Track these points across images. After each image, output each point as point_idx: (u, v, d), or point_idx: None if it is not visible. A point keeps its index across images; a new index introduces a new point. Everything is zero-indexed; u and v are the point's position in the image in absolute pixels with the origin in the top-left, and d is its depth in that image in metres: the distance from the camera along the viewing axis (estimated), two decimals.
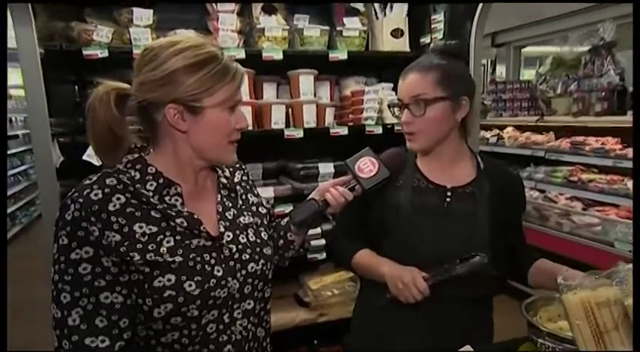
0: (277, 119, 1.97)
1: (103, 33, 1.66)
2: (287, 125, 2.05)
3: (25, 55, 1.40)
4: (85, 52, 1.62)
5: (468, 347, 1.11)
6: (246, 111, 1.85)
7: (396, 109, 1.23)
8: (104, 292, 0.86)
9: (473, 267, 1.08)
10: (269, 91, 2.06)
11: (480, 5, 1.84)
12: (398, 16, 2.12)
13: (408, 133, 1.20)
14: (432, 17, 2.07)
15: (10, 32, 1.40)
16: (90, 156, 1.63)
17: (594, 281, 0.97)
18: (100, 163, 1.66)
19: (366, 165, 1.10)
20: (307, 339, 2.23)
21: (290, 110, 2.05)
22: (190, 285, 0.89)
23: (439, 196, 1.20)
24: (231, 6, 1.89)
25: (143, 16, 1.73)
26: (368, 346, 1.29)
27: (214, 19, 1.86)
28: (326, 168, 2.07)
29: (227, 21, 1.85)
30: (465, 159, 1.25)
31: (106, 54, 1.64)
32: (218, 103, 0.90)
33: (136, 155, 0.95)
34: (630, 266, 0.98)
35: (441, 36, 2.03)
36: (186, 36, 0.97)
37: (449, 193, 1.21)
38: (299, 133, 1.97)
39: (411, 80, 1.16)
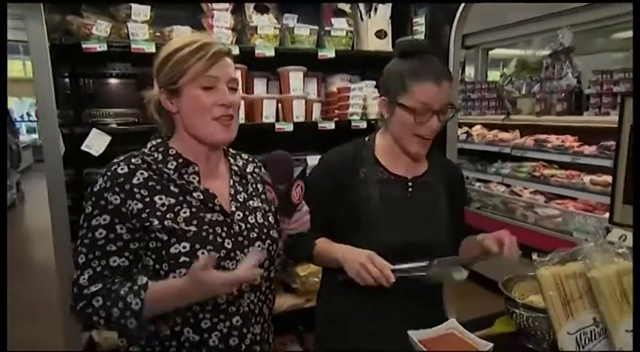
0: (268, 113, 2.06)
1: (102, 27, 1.70)
2: (276, 119, 2.14)
3: (35, 47, 1.43)
4: (84, 46, 1.66)
5: (453, 320, 1.24)
6: None
7: (416, 117, 1.18)
8: (113, 256, 0.97)
9: (436, 272, 1.13)
10: (259, 87, 2.15)
11: (460, 10, 2.00)
12: (382, 18, 2.25)
13: (426, 138, 1.21)
14: (414, 20, 2.21)
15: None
16: (88, 146, 1.68)
17: (564, 257, 1.13)
18: (98, 153, 1.72)
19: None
20: (293, 325, 2.33)
21: (280, 105, 2.14)
22: (203, 253, 0.97)
23: (402, 187, 1.28)
24: (226, 4, 1.96)
25: (141, 12, 1.78)
26: (335, 332, 1.31)
27: (209, 16, 1.93)
28: (313, 160, 2.16)
29: (221, 19, 1.92)
30: (418, 158, 1.31)
31: (104, 48, 1.68)
32: (190, 80, 0.98)
33: (159, 140, 1.07)
34: (592, 244, 1.14)
35: (422, 38, 2.17)
36: (185, 36, 1.12)
37: (410, 184, 1.28)
38: (289, 127, 2.07)
39: (444, 88, 1.17)
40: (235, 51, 1.91)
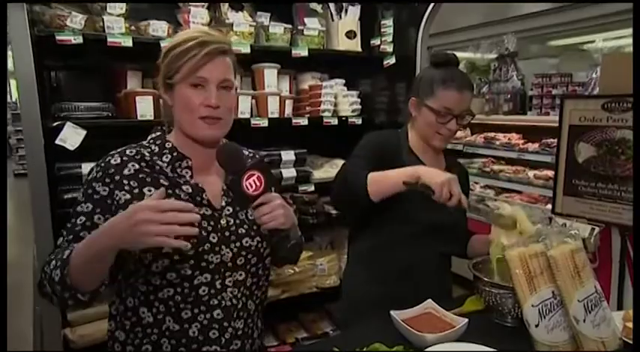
0: (244, 109, 2.10)
1: (77, 19, 1.65)
2: (251, 115, 2.18)
3: (17, 37, 1.38)
4: (58, 37, 1.61)
5: (429, 301, 1.35)
6: None
7: (438, 118, 1.38)
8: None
9: None
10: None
11: (427, 12, 2.13)
12: (351, 19, 2.35)
13: (447, 138, 1.42)
14: (382, 22, 2.34)
15: None
16: (62, 139, 1.64)
17: (526, 239, 1.27)
18: (73, 148, 1.68)
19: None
20: (268, 317, 2.38)
21: (254, 101, 2.18)
22: (186, 246, 0.92)
23: None
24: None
25: (117, 5, 1.76)
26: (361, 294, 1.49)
27: (185, 12, 1.93)
28: (287, 155, 2.24)
29: (198, 15, 1.93)
30: (441, 150, 1.53)
31: (80, 40, 1.64)
32: (182, 79, 1.00)
33: (159, 133, 1.10)
34: (550, 228, 1.30)
35: (390, 39, 2.31)
36: (194, 28, 1.13)
37: None
38: (264, 122, 2.12)
39: (467, 95, 1.39)
40: None
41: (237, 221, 1.09)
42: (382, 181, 1.28)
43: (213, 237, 1.03)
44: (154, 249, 0.97)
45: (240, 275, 1.08)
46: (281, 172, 2.21)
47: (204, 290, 1.03)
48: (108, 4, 1.74)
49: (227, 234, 1.06)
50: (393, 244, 1.45)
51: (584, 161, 1.85)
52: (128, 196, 0.99)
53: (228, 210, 1.08)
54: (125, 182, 1.00)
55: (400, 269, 1.44)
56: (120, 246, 0.87)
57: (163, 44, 1.06)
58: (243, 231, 1.08)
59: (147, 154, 1.05)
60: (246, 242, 1.08)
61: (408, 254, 1.44)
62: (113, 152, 1.05)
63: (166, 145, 1.07)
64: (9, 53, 1.44)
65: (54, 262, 0.93)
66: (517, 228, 1.32)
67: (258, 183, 0.97)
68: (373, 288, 1.47)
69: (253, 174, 0.96)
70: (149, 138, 1.10)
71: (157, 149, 1.06)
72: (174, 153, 1.06)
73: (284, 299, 2.28)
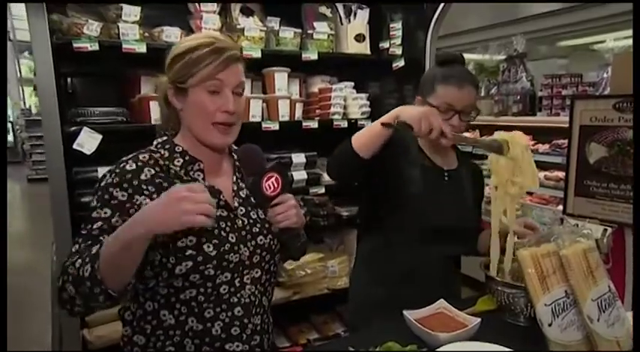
0: (255, 113, 2.12)
1: (93, 27, 1.70)
2: (262, 118, 2.20)
3: (38, 45, 1.42)
4: (75, 45, 1.65)
5: (442, 300, 1.36)
6: None
7: (440, 114, 1.33)
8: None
9: None
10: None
11: (436, 14, 2.15)
12: (360, 22, 2.38)
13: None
14: (391, 25, 2.36)
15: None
16: (80, 144, 1.67)
17: (539, 239, 1.28)
18: (90, 152, 1.72)
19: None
20: (280, 318, 2.40)
21: (265, 104, 2.21)
22: (208, 247, 1.02)
23: (440, 175, 1.47)
24: (213, 6, 2.01)
25: (131, 12, 1.80)
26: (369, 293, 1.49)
27: (197, 18, 1.97)
28: (298, 158, 2.26)
29: (210, 20, 1.97)
30: (452, 149, 1.53)
31: (96, 47, 1.68)
32: (197, 83, 1.00)
33: (165, 137, 1.11)
34: (562, 227, 1.30)
35: (399, 42, 2.33)
36: (204, 33, 1.12)
37: (446, 173, 1.48)
38: (275, 126, 2.14)
39: (468, 91, 1.37)
40: None
41: (251, 220, 1.12)
42: (364, 133, 1.25)
43: (232, 237, 1.06)
44: (178, 252, 1.00)
45: (257, 272, 1.11)
46: (292, 175, 2.23)
47: (224, 289, 1.06)
48: (123, 12, 1.79)
49: (243, 233, 1.09)
50: (393, 247, 1.45)
51: (595, 161, 1.84)
52: (148, 200, 0.99)
53: (242, 210, 1.11)
54: (144, 187, 1.00)
55: (402, 272, 1.44)
56: (154, 230, 0.87)
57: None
58: (257, 229, 1.12)
59: (159, 159, 1.06)
60: (261, 240, 1.11)
61: (409, 257, 1.44)
62: (125, 158, 1.05)
63: (176, 149, 1.07)
64: (30, 62, 1.47)
65: (79, 261, 0.92)
66: (508, 154, 1.32)
67: (276, 185, 1.01)
68: (374, 290, 1.48)
69: (272, 176, 1.01)
70: (156, 142, 1.10)
71: (167, 153, 1.07)
72: (186, 157, 1.07)
73: (295, 301, 2.29)
